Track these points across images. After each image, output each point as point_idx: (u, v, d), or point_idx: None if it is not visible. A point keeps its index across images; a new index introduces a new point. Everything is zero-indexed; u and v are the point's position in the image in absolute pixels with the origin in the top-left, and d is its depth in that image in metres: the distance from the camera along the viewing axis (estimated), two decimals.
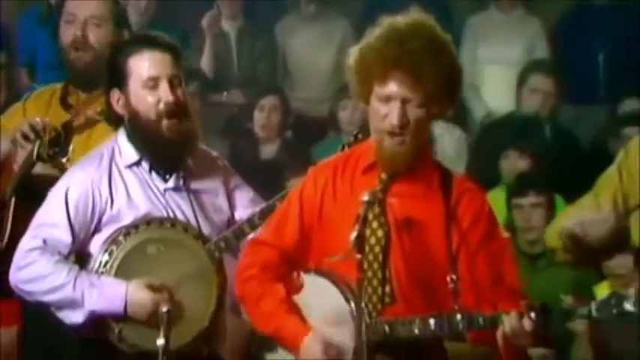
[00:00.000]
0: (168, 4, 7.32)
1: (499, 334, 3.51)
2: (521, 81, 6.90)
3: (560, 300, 5.38)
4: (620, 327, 3.87)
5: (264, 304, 3.73)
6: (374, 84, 3.62)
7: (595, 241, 3.61)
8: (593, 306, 3.47)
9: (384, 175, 3.67)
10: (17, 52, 6.88)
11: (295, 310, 3.71)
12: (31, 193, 4.26)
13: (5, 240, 4.29)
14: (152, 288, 3.95)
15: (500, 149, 6.52)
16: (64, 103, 4.53)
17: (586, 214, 3.69)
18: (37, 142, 4.26)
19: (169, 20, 7.15)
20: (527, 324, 3.48)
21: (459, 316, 3.56)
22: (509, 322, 3.49)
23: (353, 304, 3.60)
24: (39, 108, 4.55)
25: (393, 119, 3.59)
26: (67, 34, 4.52)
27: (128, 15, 4.66)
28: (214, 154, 4.29)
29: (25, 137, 4.35)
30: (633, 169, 3.77)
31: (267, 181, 4.25)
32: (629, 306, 3.41)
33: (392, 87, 3.60)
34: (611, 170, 3.83)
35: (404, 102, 3.59)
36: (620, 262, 5.38)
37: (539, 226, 5.81)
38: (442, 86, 3.60)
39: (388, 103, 3.60)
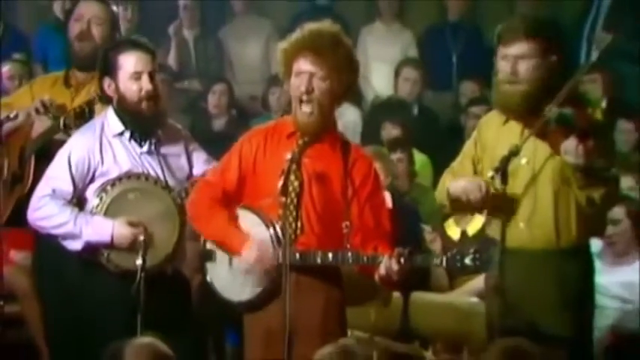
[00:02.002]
0: (145, 16, 7.17)
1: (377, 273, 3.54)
2: (397, 73, 6.86)
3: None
4: None
5: (214, 221, 3.69)
6: (293, 64, 3.64)
7: (473, 201, 3.59)
8: (444, 259, 3.51)
9: (301, 141, 3.65)
10: (33, 51, 6.70)
11: (238, 226, 3.67)
12: (45, 152, 4.16)
13: (28, 186, 4.19)
14: (131, 224, 3.90)
15: (383, 122, 6.50)
16: (67, 84, 4.40)
17: (464, 183, 3.65)
18: (62, 117, 4.16)
19: (146, 27, 7.03)
20: (395, 266, 3.48)
21: (349, 254, 3.56)
22: (383, 264, 3.50)
23: (272, 233, 3.60)
24: (44, 88, 4.43)
25: (302, 87, 3.60)
26: (75, 28, 4.40)
27: (119, 23, 4.57)
28: (179, 126, 4.22)
29: (38, 111, 4.25)
30: (483, 140, 3.75)
31: (218, 147, 4.18)
32: (468, 261, 3.46)
33: (302, 64, 3.62)
34: (470, 141, 3.82)
35: (310, 76, 3.60)
36: None
37: (402, 174, 5.81)
38: (339, 66, 3.62)
39: (300, 76, 3.61)
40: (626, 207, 4.65)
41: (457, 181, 3.67)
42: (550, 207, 3.59)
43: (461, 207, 3.68)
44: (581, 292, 3.63)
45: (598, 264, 3.94)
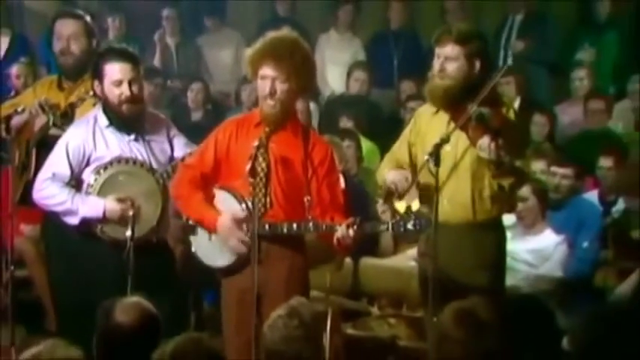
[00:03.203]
0: (133, 25, 7.14)
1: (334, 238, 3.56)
2: (349, 74, 6.88)
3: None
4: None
5: (192, 202, 3.71)
6: (258, 69, 3.64)
7: (401, 190, 3.62)
8: (390, 225, 3.55)
9: (267, 129, 3.66)
10: (38, 55, 6.67)
11: (212, 205, 3.70)
12: (45, 144, 4.16)
13: (32, 174, 4.19)
14: (120, 200, 3.91)
15: (338, 115, 6.51)
16: (60, 87, 4.39)
17: (394, 174, 3.67)
18: (52, 115, 4.16)
19: (133, 35, 7.00)
20: (349, 232, 3.52)
21: (310, 224, 3.58)
22: (339, 231, 3.53)
23: (245, 207, 3.62)
24: (43, 89, 4.42)
25: (266, 89, 3.62)
26: (57, 46, 4.36)
27: (95, 31, 4.45)
28: (162, 115, 4.22)
29: (37, 110, 4.23)
30: (417, 128, 3.79)
31: (195, 136, 4.18)
32: (409, 226, 3.51)
33: (265, 70, 3.62)
34: (407, 129, 3.86)
35: (273, 79, 3.61)
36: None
37: (351, 159, 5.82)
38: (297, 69, 3.62)
39: (264, 80, 3.62)
40: (533, 186, 4.72)
41: (390, 172, 3.70)
42: (468, 188, 3.65)
43: (391, 193, 3.70)
44: (495, 257, 3.71)
45: (510, 234, 4.01)
